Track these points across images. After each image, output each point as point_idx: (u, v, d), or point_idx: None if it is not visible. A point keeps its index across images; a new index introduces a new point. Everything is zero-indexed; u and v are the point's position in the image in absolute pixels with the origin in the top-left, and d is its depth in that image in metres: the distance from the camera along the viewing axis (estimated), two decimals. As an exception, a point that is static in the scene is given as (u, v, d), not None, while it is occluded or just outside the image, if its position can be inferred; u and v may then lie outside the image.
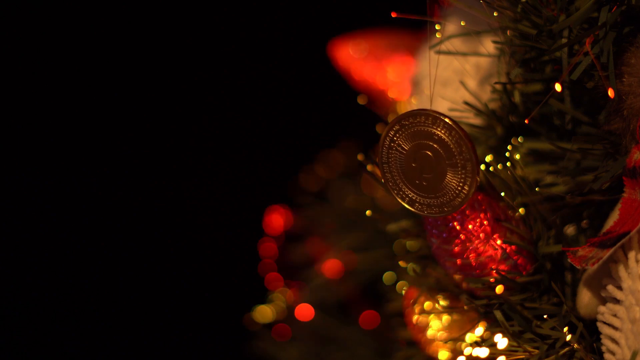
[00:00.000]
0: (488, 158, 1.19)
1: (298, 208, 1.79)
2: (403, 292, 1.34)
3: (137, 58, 2.30)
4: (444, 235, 1.16)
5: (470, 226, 1.15)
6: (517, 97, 1.20)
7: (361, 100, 1.64)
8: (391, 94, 1.63)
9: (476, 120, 1.23)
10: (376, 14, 1.41)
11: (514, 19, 1.11)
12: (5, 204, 2.28)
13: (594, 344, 1.13)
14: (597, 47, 1.06)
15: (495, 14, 1.12)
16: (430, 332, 1.29)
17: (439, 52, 1.20)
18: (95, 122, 2.30)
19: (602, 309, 1.09)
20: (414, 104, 1.45)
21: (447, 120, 1.08)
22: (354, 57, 1.65)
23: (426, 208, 1.12)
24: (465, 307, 1.19)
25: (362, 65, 1.65)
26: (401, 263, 1.28)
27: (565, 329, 1.12)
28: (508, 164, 1.17)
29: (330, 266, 1.65)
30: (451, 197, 1.11)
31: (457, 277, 1.19)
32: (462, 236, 1.16)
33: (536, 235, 1.17)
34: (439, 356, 1.29)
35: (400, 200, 1.13)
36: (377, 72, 1.64)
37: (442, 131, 1.09)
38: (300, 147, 2.03)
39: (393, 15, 1.18)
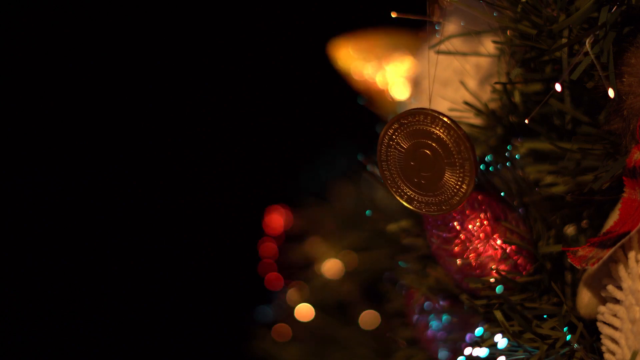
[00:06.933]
0: (488, 158, 1.19)
1: (298, 208, 1.79)
2: (403, 292, 1.34)
3: (137, 58, 2.30)
4: (444, 235, 1.16)
5: (470, 226, 1.15)
6: (517, 97, 1.20)
7: (361, 100, 1.64)
8: (391, 94, 1.63)
9: (476, 120, 1.23)
10: (376, 14, 1.41)
11: (514, 19, 1.11)
12: (5, 203, 2.28)
13: (594, 344, 1.13)
14: (597, 47, 1.06)
15: (495, 14, 1.12)
16: (430, 332, 1.29)
17: (439, 52, 1.20)
18: (95, 122, 2.30)
19: (602, 309, 1.09)
20: (414, 104, 1.45)
21: (445, 119, 1.08)
22: (354, 57, 1.65)
23: (424, 206, 1.12)
24: (465, 307, 1.19)
25: (362, 65, 1.65)
26: (401, 263, 1.28)
27: (565, 329, 1.12)
28: (508, 164, 1.17)
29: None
30: (449, 196, 1.11)
31: (457, 277, 1.19)
32: (462, 236, 1.16)
33: (536, 235, 1.17)
34: (439, 356, 1.29)
35: (398, 198, 1.13)
36: (377, 72, 1.64)
37: (441, 130, 1.09)
38: (300, 147, 2.03)
39: (393, 15, 1.18)
